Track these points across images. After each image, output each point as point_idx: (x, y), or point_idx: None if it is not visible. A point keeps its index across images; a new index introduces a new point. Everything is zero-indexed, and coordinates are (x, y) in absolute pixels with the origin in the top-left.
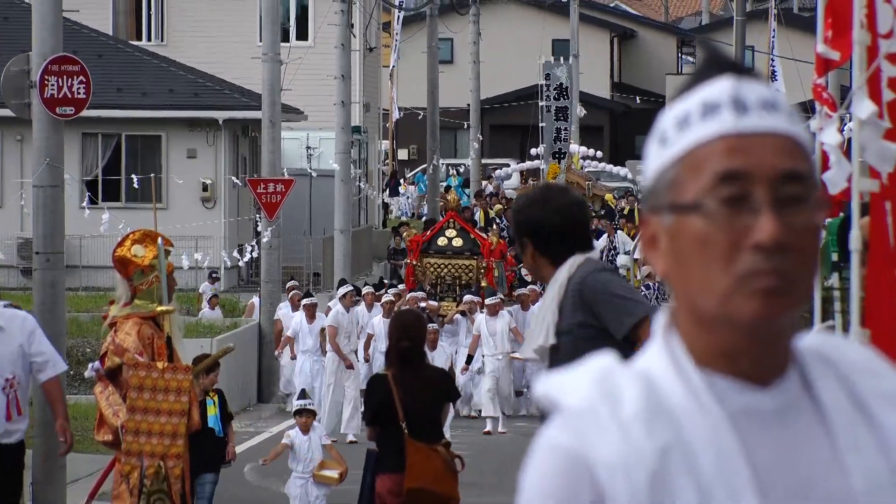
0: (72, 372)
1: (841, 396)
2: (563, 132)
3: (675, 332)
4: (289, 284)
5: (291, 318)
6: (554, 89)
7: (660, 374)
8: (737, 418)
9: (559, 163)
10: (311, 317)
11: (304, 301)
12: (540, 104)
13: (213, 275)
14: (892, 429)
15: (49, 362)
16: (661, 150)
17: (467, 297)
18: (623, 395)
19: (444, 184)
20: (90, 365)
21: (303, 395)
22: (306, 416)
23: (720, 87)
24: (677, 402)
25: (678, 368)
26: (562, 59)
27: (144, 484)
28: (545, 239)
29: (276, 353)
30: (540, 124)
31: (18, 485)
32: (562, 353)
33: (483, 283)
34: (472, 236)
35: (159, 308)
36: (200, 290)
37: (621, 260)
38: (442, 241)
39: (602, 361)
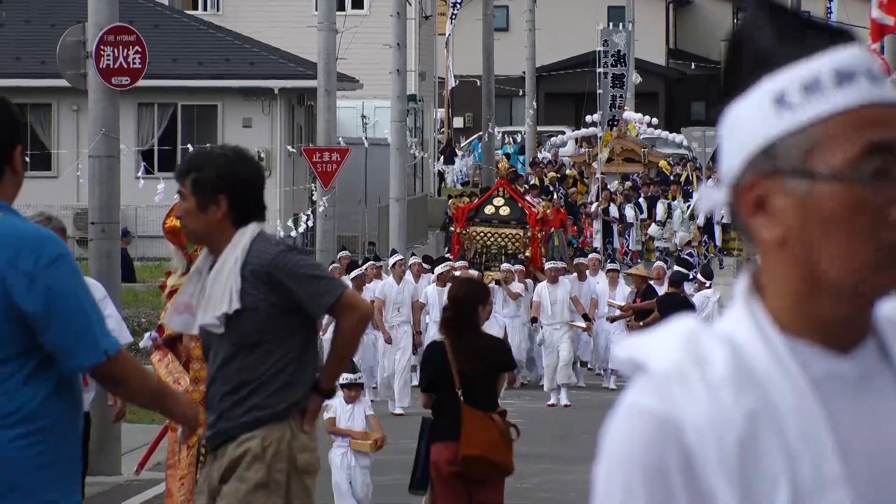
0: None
1: None
2: (618, 99)
3: (757, 297)
4: (340, 254)
5: None
6: (612, 56)
7: (743, 338)
8: (820, 384)
9: (612, 130)
10: (358, 289)
11: (353, 273)
12: (598, 71)
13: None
14: None
15: (114, 330)
16: (781, 112)
17: (504, 266)
18: (711, 359)
19: (500, 152)
20: (146, 334)
21: (352, 368)
22: (355, 391)
23: (852, 55)
24: (762, 366)
25: (762, 333)
26: (620, 25)
27: (202, 454)
28: (244, 198)
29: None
30: (597, 91)
31: (84, 454)
32: (244, 326)
33: (527, 253)
34: (521, 205)
35: None
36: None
37: (652, 230)
38: (489, 210)
39: (686, 324)
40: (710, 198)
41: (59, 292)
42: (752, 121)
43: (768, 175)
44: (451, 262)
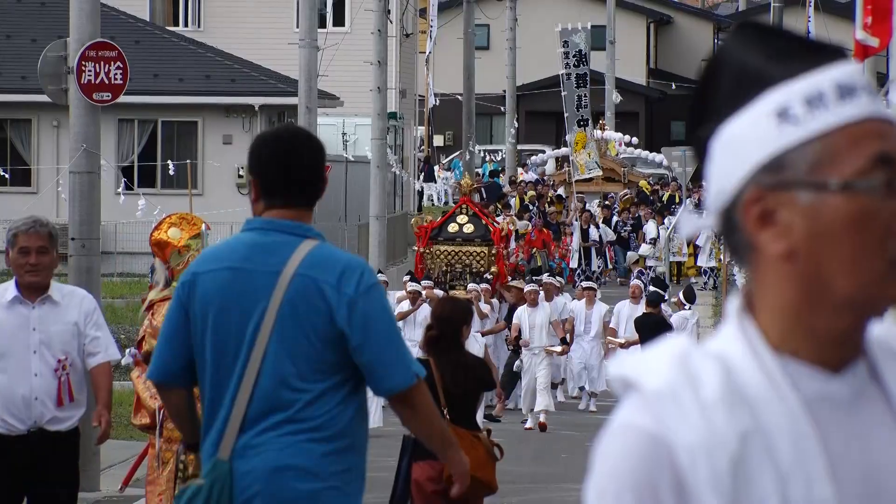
0: None
1: None
2: (583, 99)
3: (750, 316)
4: None
5: None
6: (573, 56)
7: (735, 358)
8: (811, 405)
9: (584, 129)
10: None
11: None
12: (560, 73)
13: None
14: None
15: (101, 348)
16: (783, 126)
17: (471, 286)
18: (703, 378)
19: (480, 170)
20: (127, 351)
21: None
22: None
23: (852, 71)
24: (754, 386)
25: (754, 353)
26: (579, 25)
27: (181, 469)
28: None
29: None
30: (562, 93)
31: (74, 475)
32: None
33: (493, 270)
34: (484, 222)
35: None
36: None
37: (643, 249)
38: (452, 228)
39: (679, 344)
40: (693, 222)
41: (375, 317)
42: (752, 136)
43: (774, 188)
44: (416, 284)
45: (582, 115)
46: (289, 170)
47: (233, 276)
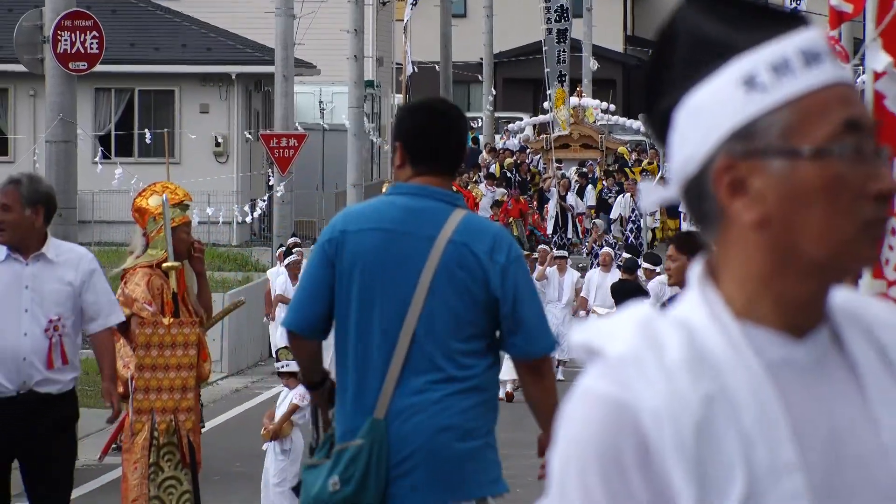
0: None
1: (869, 351)
2: (562, 55)
3: (712, 283)
4: (290, 241)
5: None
6: (555, 11)
7: (699, 324)
8: (775, 370)
9: (562, 85)
10: (294, 277)
11: (287, 260)
12: (542, 27)
13: None
14: None
15: (101, 312)
16: (751, 94)
17: None
18: (666, 344)
19: None
20: None
21: (279, 356)
22: (287, 378)
23: (814, 37)
24: (717, 352)
25: (717, 319)
26: None
27: (155, 437)
28: None
29: (266, 317)
30: (543, 49)
31: (70, 441)
32: None
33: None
34: (456, 189)
35: (164, 264)
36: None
37: (647, 222)
38: None
39: (642, 310)
40: (654, 193)
41: (524, 286)
42: (719, 105)
43: (744, 157)
44: None
45: (560, 71)
46: (441, 139)
47: (385, 237)
